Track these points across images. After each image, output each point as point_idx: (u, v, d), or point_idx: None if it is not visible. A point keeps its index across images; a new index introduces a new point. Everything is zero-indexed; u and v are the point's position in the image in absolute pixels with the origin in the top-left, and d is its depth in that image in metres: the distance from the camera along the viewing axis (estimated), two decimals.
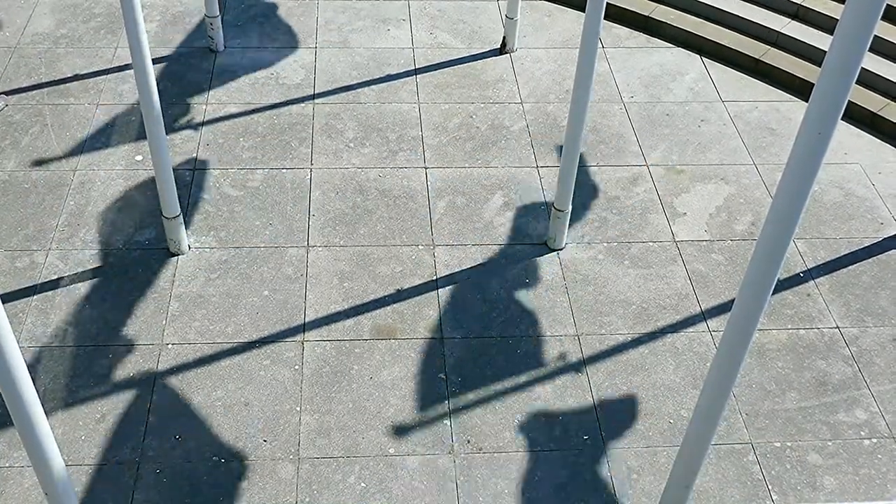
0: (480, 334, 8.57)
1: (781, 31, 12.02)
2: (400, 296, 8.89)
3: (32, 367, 8.02)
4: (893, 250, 9.60)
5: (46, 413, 5.24)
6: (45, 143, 10.35)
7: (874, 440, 7.91)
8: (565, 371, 8.32)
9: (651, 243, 9.55)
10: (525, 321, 8.71)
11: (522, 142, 10.69)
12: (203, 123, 10.73)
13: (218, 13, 11.57)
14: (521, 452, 7.68)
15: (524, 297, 8.93)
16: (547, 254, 9.37)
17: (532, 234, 9.56)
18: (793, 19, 12.19)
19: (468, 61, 11.92)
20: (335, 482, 7.42)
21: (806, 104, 4.29)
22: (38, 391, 5.04)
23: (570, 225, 9.39)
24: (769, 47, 12.02)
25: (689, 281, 9.17)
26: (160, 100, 8.09)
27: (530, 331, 8.62)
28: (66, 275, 8.91)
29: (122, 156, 10.25)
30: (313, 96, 11.20)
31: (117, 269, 8.99)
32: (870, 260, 9.49)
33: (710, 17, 12.49)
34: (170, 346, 8.35)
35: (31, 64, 11.49)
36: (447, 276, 9.10)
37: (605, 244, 9.51)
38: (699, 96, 11.51)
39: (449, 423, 7.87)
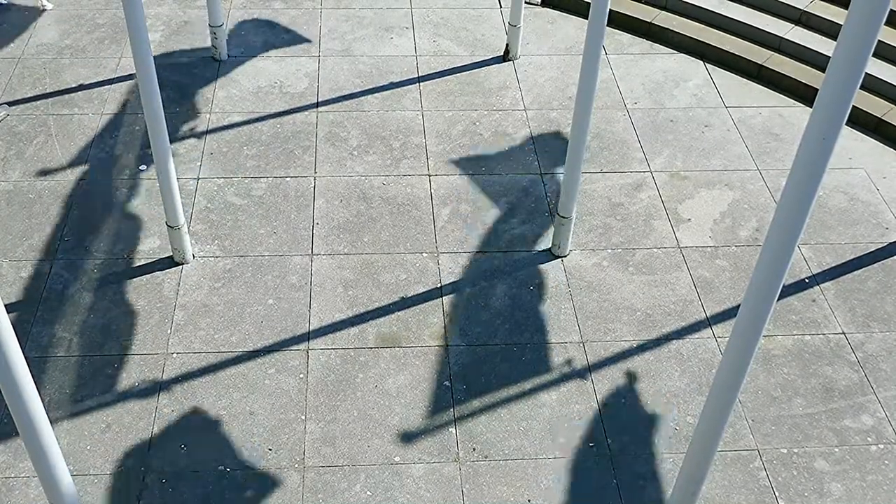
0: (485, 342, 8.56)
1: (785, 36, 12.01)
2: (404, 303, 8.88)
3: (37, 377, 8.02)
4: None
5: (52, 423, 5.24)
6: (50, 153, 10.38)
7: (881, 446, 7.88)
8: (570, 378, 8.30)
9: (655, 250, 9.53)
10: (530, 328, 8.70)
11: (526, 149, 10.69)
12: (207, 132, 10.74)
13: (221, 22, 11.60)
14: (526, 460, 7.67)
15: (529, 304, 8.92)
16: (551, 261, 9.36)
17: (536, 241, 9.55)
18: (796, 25, 12.18)
19: (471, 69, 11.94)
20: (340, 490, 7.40)
21: (810, 109, 4.29)
22: (43, 401, 5.05)
23: (574, 232, 9.39)
24: (772, 53, 12.01)
25: (693, 287, 9.16)
26: (164, 109, 8.10)
27: (535, 338, 8.61)
28: (70, 284, 8.92)
29: (127, 165, 10.26)
30: (317, 104, 11.21)
31: (122, 279, 9.00)
32: (875, 265, 9.47)
33: (713, 23, 12.49)
34: (174, 355, 8.35)
35: (36, 74, 11.52)
36: (451, 283, 9.09)
37: (610, 251, 9.50)
38: (703, 102, 11.51)
39: (454, 431, 7.85)
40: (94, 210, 9.70)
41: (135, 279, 9.01)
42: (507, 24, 12.20)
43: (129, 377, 8.15)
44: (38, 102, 11.08)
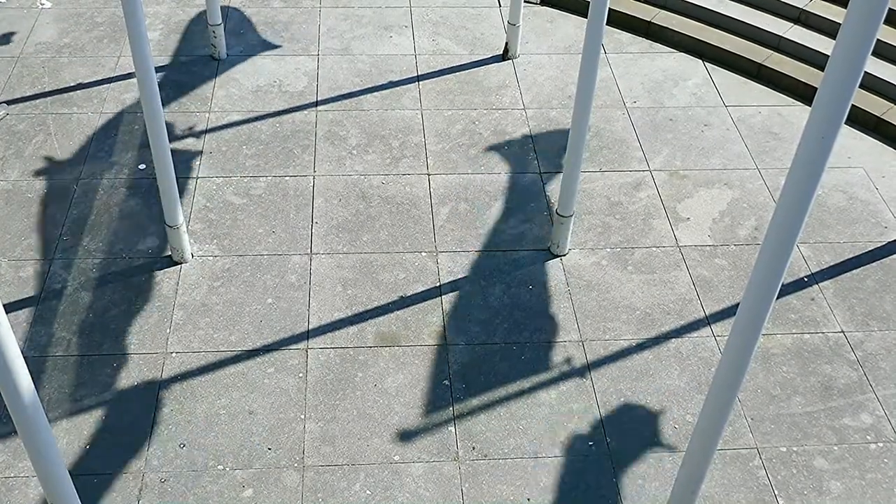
0: (484, 341, 8.56)
1: (784, 35, 12.01)
2: (403, 303, 8.88)
3: (36, 377, 8.02)
4: None
5: (50, 423, 5.24)
6: (49, 152, 10.37)
7: (880, 444, 7.88)
8: (570, 377, 8.30)
9: (654, 248, 9.53)
10: (529, 327, 8.70)
11: (525, 148, 10.69)
12: (206, 131, 10.74)
13: (220, 21, 11.60)
14: (525, 459, 7.67)
15: (528, 303, 8.92)
16: (550, 259, 9.36)
17: (535, 240, 9.55)
18: (795, 24, 12.19)
19: (470, 67, 11.94)
20: (340, 489, 7.40)
21: (809, 108, 4.28)
22: (42, 401, 5.04)
23: (573, 231, 9.39)
24: (772, 52, 12.01)
25: (692, 286, 9.16)
26: (163, 108, 8.10)
27: (534, 337, 8.61)
28: (69, 284, 8.91)
29: (126, 164, 10.26)
30: (316, 103, 11.21)
31: (121, 279, 9.00)
32: (874, 264, 9.48)
33: (713, 21, 12.49)
34: (174, 354, 8.34)
35: (35, 73, 11.51)
36: (451, 282, 9.09)
37: (609, 250, 9.50)
38: (702, 101, 11.51)
39: (453, 430, 7.85)
40: (93, 209, 9.70)
41: (133, 278, 9.00)
42: (506, 23, 12.20)
43: (129, 377, 8.15)
44: (37, 101, 11.07)
